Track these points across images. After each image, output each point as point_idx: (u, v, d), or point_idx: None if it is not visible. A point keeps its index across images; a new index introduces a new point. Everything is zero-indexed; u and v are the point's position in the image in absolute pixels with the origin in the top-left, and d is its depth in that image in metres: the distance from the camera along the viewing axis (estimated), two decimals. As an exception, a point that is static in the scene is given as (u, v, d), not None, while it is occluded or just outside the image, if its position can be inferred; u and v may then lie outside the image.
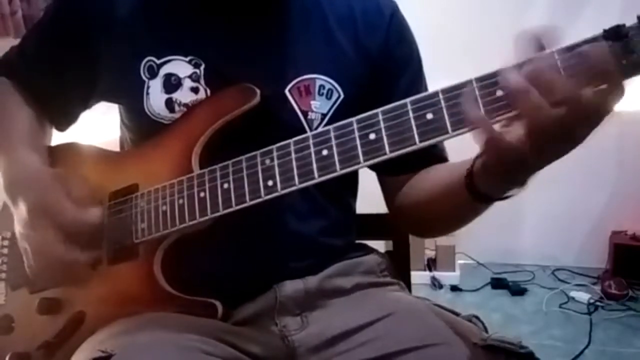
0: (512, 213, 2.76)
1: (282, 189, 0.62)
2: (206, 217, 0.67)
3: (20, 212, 0.71)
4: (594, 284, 2.71)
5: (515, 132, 0.53)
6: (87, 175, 0.79)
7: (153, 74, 0.76)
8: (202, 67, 0.75)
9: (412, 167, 0.81)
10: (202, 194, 0.67)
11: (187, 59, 0.76)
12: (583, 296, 2.58)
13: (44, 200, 0.70)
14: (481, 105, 0.51)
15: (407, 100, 0.55)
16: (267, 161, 0.63)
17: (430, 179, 0.77)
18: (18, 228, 0.73)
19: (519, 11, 2.70)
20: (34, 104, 0.84)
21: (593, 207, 2.80)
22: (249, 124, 0.71)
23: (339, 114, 0.77)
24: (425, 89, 0.87)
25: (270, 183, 0.62)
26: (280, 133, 0.68)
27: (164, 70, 0.76)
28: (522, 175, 0.57)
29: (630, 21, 0.49)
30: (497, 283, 2.77)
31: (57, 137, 0.89)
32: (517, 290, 2.69)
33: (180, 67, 0.76)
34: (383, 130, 0.56)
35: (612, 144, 2.71)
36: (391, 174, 0.83)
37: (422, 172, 0.80)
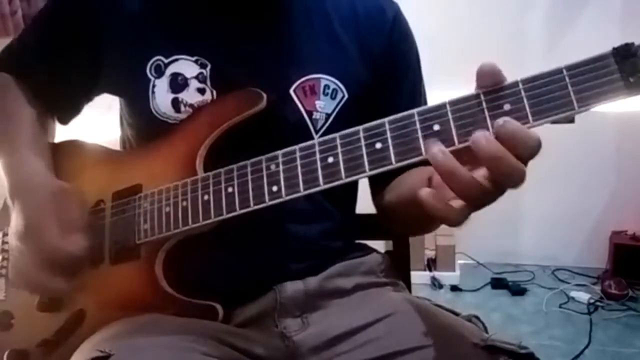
0: (512, 213, 2.77)
1: (287, 195, 0.61)
2: (209, 221, 0.67)
3: (14, 222, 0.71)
4: (594, 284, 2.72)
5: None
6: (90, 174, 0.79)
7: (160, 73, 0.76)
8: (208, 68, 0.75)
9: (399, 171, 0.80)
10: (206, 197, 0.67)
11: (193, 59, 0.76)
12: (583, 296, 2.59)
13: (35, 220, 0.69)
14: (488, 119, 0.52)
15: (414, 110, 0.55)
16: (272, 166, 0.63)
17: (402, 183, 0.77)
18: (10, 237, 0.72)
19: (519, 13, 2.70)
20: (36, 98, 0.83)
21: (593, 207, 2.81)
22: (254, 123, 0.71)
23: (343, 114, 0.78)
24: (424, 90, 0.87)
25: (274, 189, 0.62)
26: (284, 133, 0.68)
27: (170, 70, 0.76)
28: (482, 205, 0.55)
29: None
30: (497, 283, 2.78)
31: (59, 136, 0.89)
32: (517, 290, 2.70)
33: (186, 67, 0.75)
34: (389, 140, 0.56)
35: (612, 144, 2.72)
36: (381, 178, 0.82)
37: (402, 174, 0.80)
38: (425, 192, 0.52)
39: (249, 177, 0.64)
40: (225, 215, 0.66)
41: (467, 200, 0.51)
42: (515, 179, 0.50)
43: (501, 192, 0.51)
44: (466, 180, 0.50)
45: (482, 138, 0.49)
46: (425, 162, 0.55)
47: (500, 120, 0.50)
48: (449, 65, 2.20)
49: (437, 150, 0.51)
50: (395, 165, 0.56)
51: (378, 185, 0.84)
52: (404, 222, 0.80)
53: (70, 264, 0.70)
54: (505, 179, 0.50)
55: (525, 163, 0.50)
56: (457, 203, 0.52)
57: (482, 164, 0.50)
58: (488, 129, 0.51)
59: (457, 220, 0.52)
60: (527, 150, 0.49)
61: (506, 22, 2.67)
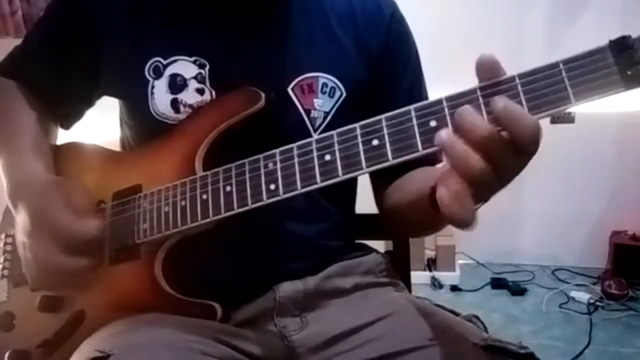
0: (512, 213, 2.77)
1: (285, 193, 0.61)
2: (208, 220, 0.67)
3: (21, 220, 0.71)
4: (594, 284, 2.72)
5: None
6: (91, 175, 0.79)
7: (158, 74, 0.76)
8: (207, 68, 0.76)
9: (401, 171, 0.80)
10: (204, 196, 0.67)
11: (192, 59, 0.76)
12: (583, 296, 2.59)
13: (44, 210, 0.69)
14: (485, 115, 0.51)
15: (411, 107, 0.55)
16: (270, 165, 0.63)
17: (407, 184, 0.77)
18: (18, 236, 0.72)
19: (519, 12, 2.70)
20: (39, 104, 0.84)
21: (593, 207, 2.81)
22: (253, 123, 0.71)
23: (341, 112, 0.78)
24: (425, 89, 0.87)
25: (272, 187, 0.62)
26: (283, 132, 0.68)
27: (169, 71, 0.76)
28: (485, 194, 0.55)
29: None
30: (497, 283, 2.78)
31: (60, 137, 0.89)
32: (517, 290, 2.70)
33: (185, 67, 0.76)
34: (386, 137, 0.56)
35: (612, 145, 2.72)
36: (383, 178, 0.83)
37: (406, 175, 0.80)
38: (443, 192, 0.51)
39: (247, 175, 0.65)
40: (224, 214, 0.66)
41: (473, 184, 0.50)
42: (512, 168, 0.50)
43: (500, 179, 0.51)
44: (475, 161, 0.49)
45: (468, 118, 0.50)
46: (423, 160, 0.55)
47: (499, 103, 0.49)
48: (449, 65, 2.20)
49: (447, 134, 0.51)
50: (392, 162, 0.56)
51: (380, 185, 0.84)
52: (410, 222, 0.79)
53: (93, 243, 0.70)
54: (502, 162, 0.50)
55: (526, 153, 0.50)
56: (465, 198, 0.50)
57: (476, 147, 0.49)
58: None
59: (468, 217, 0.51)
60: (526, 135, 0.48)
61: (506, 22, 2.67)
